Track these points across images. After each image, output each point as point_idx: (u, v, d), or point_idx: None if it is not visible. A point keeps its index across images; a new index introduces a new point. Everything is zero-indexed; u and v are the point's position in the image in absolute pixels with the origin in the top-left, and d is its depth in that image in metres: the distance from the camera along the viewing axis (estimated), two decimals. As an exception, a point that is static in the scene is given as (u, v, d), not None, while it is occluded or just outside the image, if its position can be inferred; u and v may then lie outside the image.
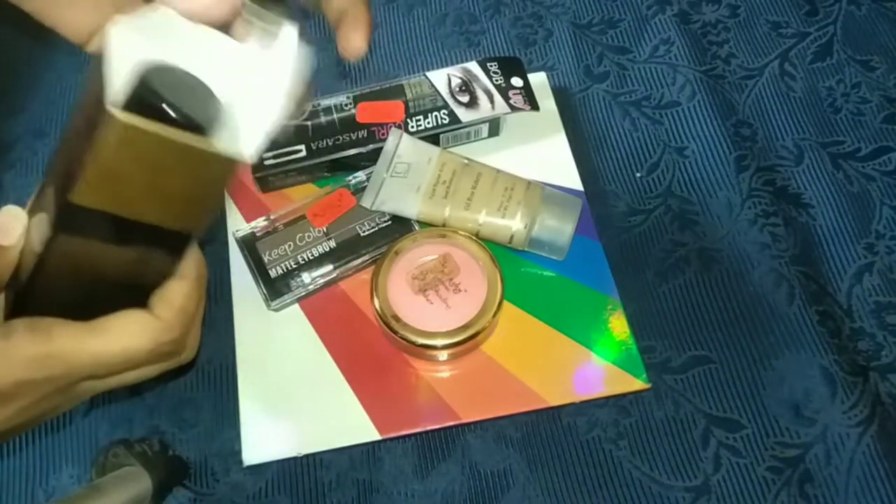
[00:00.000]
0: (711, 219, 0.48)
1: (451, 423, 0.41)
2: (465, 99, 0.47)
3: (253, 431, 0.41)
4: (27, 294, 0.28)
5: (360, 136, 0.46)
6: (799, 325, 0.44)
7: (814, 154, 0.50)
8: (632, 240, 0.48)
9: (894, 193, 0.49)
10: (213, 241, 0.47)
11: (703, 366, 0.43)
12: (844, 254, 0.47)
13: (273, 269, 0.43)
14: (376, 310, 0.40)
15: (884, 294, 0.45)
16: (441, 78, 0.47)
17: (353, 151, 0.46)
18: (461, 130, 0.47)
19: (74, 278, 0.28)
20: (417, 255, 0.42)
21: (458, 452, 0.42)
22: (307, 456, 0.41)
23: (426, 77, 0.47)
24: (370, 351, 0.42)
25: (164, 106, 0.24)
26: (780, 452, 0.41)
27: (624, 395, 0.42)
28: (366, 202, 0.44)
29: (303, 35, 0.26)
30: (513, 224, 0.43)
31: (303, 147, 0.46)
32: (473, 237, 0.43)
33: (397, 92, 0.47)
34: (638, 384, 0.41)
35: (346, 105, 0.47)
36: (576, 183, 0.47)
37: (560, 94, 0.52)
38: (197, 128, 0.25)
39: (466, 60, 0.49)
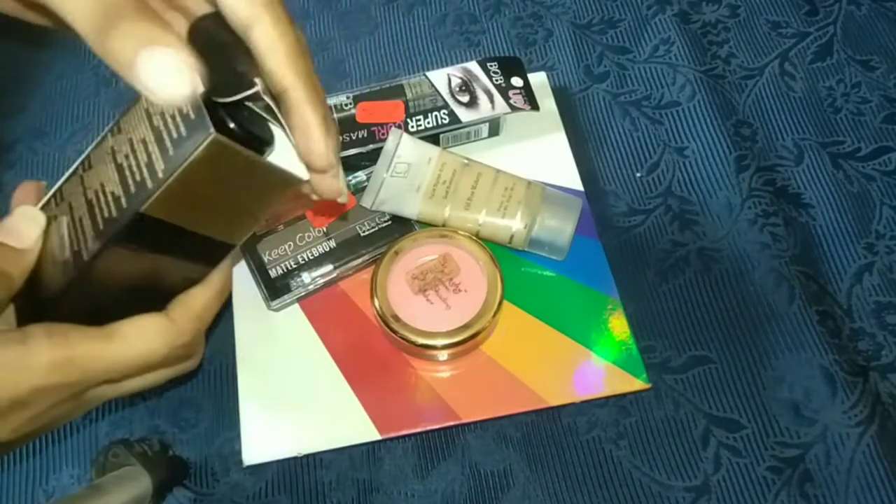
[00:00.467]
0: (711, 219, 0.48)
1: (451, 423, 0.41)
2: (465, 99, 0.47)
3: (253, 431, 0.41)
4: (48, 300, 0.28)
5: (360, 136, 0.46)
6: (799, 325, 0.44)
7: (814, 154, 0.50)
8: (632, 240, 0.48)
9: (894, 193, 0.49)
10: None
11: (703, 366, 0.43)
12: (844, 254, 0.47)
13: (273, 269, 0.43)
14: (376, 310, 0.40)
15: (884, 294, 0.45)
16: (441, 78, 0.47)
17: (353, 151, 0.46)
18: (461, 130, 0.47)
19: (107, 286, 0.28)
20: (417, 255, 0.42)
21: (458, 452, 0.42)
22: (307, 456, 0.41)
23: (426, 77, 0.47)
24: (370, 351, 0.42)
25: (241, 127, 0.26)
26: (780, 452, 0.41)
27: (624, 395, 0.42)
28: (366, 202, 0.44)
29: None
30: (513, 224, 0.43)
31: (303, 147, 0.46)
32: (473, 237, 0.43)
33: (397, 92, 0.47)
34: (638, 384, 0.41)
35: (345, 105, 0.47)
36: (576, 183, 0.47)
37: (560, 94, 0.52)
38: (263, 147, 0.27)
39: (466, 60, 0.49)
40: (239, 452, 0.40)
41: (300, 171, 0.29)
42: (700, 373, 0.43)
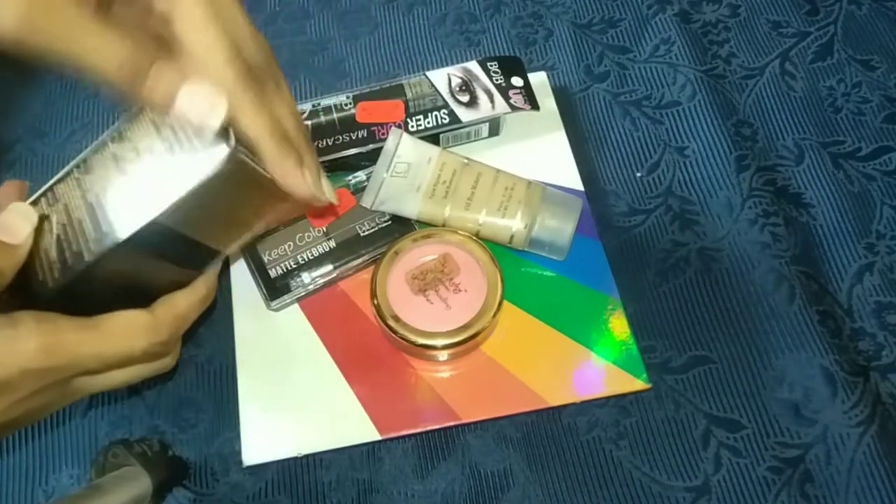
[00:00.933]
0: (712, 219, 0.48)
1: (451, 423, 0.41)
2: (465, 98, 0.47)
3: (253, 431, 0.41)
4: (40, 295, 0.29)
5: (359, 135, 0.46)
6: (799, 325, 0.44)
7: (814, 154, 0.50)
8: (632, 240, 0.48)
9: (895, 193, 0.49)
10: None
11: (704, 366, 0.43)
12: (845, 254, 0.47)
13: (273, 269, 0.43)
14: (376, 310, 0.40)
15: (884, 294, 0.45)
16: (441, 77, 0.47)
17: (352, 151, 0.46)
18: (461, 130, 0.47)
19: (102, 285, 0.30)
20: (417, 255, 0.42)
21: (458, 452, 0.42)
22: (307, 456, 0.41)
23: (426, 77, 0.47)
24: (370, 351, 0.42)
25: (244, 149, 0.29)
26: (780, 452, 0.41)
27: (624, 395, 0.42)
28: (366, 202, 0.44)
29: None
30: (513, 224, 0.43)
31: (303, 147, 0.46)
32: (473, 237, 0.42)
33: (397, 92, 0.47)
34: (638, 384, 0.41)
35: (345, 105, 0.47)
36: (576, 183, 0.47)
37: (560, 94, 0.52)
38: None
39: (466, 60, 0.49)
40: (239, 452, 0.40)
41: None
42: (700, 373, 0.43)
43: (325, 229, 0.44)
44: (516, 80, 0.48)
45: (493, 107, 0.47)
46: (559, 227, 0.43)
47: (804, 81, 0.54)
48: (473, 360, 0.42)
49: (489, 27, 0.57)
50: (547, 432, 0.42)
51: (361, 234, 0.44)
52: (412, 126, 0.46)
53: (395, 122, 0.46)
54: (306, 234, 0.44)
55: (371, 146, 0.46)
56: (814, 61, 0.54)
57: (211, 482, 0.42)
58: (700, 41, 0.55)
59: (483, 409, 0.41)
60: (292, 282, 0.43)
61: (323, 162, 0.46)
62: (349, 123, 0.46)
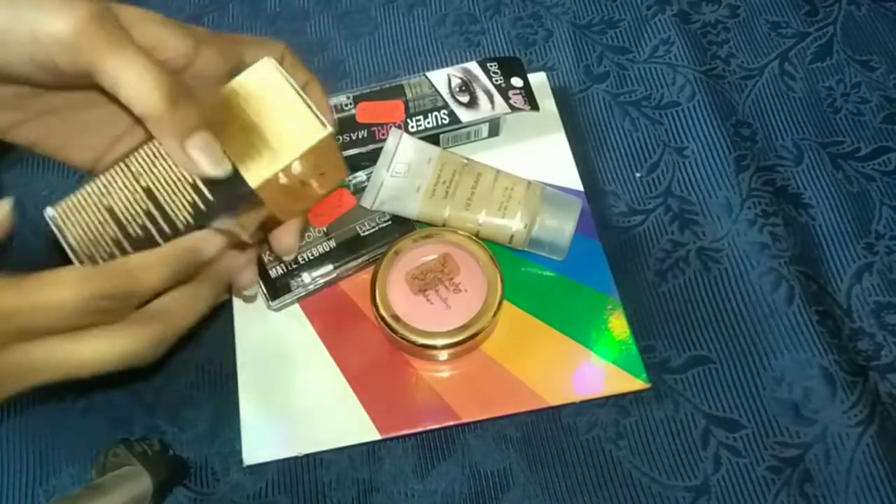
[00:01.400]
0: (711, 219, 0.48)
1: (451, 423, 0.41)
2: (465, 99, 0.47)
3: (253, 431, 0.41)
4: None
5: (360, 136, 0.46)
6: (799, 325, 0.44)
7: (813, 154, 0.50)
8: (631, 240, 0.48)
9: (894, 193, 0.49)
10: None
11: (703, 366, 0.44)
12: (844, 254, 0.47)
13: (273, 269, 0.43)
14: (376, 310, 0.40)
15: (883, 294, 0.45)
16: (441, 78, 0.47)
17: (353, 151, 0.46)
18: (461, 130, 0.47)
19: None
20: (417, 255, 0.42)
21: (458, 452, 0.42)
22: (307, 456, 0.41)
23: (426, 77, 0.47)
24: (370, 351, 0.42)
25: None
26: (779, 452, 0.41)
27: (624, 395, 0.42)
28: (366, 202, 0.44)
29: None
30: (513, 224, 0.43)
31: (303, 147, 0.46)
32: (473, 237, 0.43)
33: (397, 92, 0.47)
34: (638, 384, 0.41)
35: (345, 105, 0.47)
36: (576, 183, 0.47)
37: (560, 94, 0.52)
38: None
39: (466, 60, 0.49)
40: (239, 452, 0.40)
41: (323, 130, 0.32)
42: (700, 373, 0.43)
43: (325, 229, 0.44)
44: (516, 81, 0.48)
45: (493, 107, 0.47)
46: (559, 227, 0.43)
47: (803, 82, 0.54)
48: (473, 359, 0.42)
49: (489, 28, 0.57)
50: (547, 432, 0.42)
51: (361, 234, 0.44)
52: (412, 126, 0.46)
53: (395, 123, 0.46)
54: (306, 234, 0.44)
55: (371, 146, 0.46)
56: (813, 62, 0.54)
57: (211, 482, 0.42)
58: (699, 42, 0.55)
59: (483, 409, 0.41)
60: (292, 282, 0.43)
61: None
62: (349, 124, 0.46)
